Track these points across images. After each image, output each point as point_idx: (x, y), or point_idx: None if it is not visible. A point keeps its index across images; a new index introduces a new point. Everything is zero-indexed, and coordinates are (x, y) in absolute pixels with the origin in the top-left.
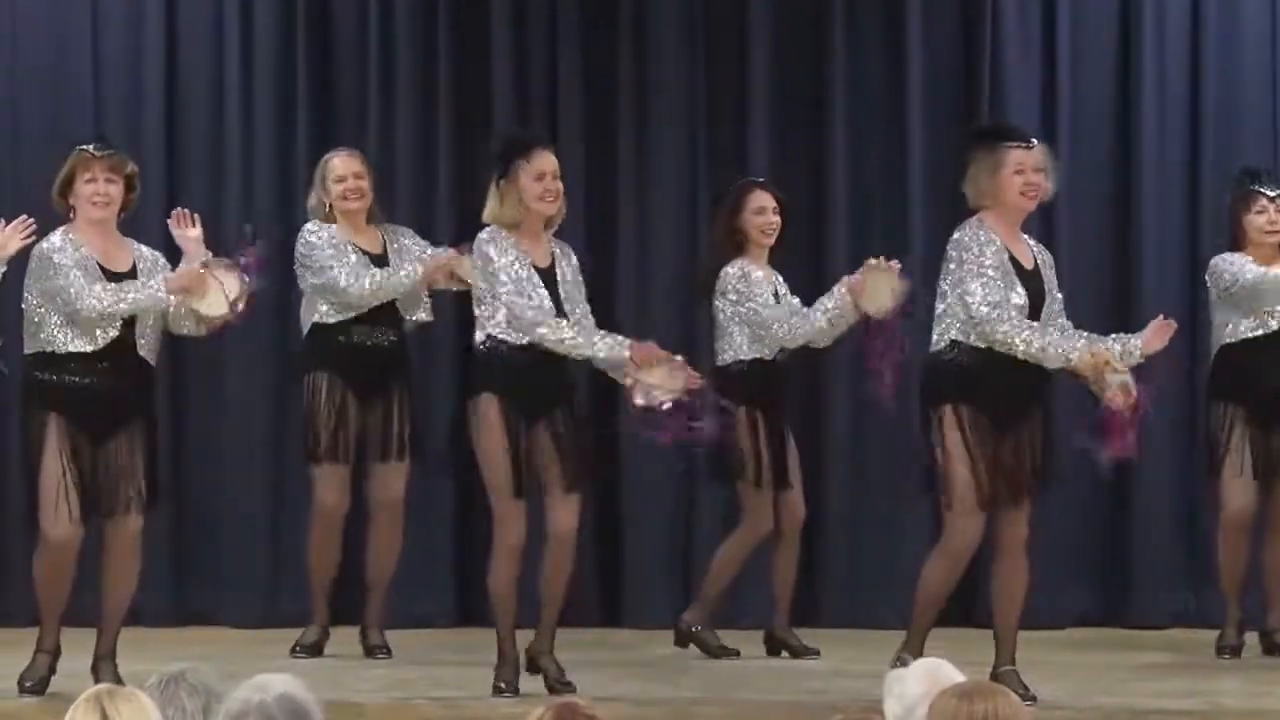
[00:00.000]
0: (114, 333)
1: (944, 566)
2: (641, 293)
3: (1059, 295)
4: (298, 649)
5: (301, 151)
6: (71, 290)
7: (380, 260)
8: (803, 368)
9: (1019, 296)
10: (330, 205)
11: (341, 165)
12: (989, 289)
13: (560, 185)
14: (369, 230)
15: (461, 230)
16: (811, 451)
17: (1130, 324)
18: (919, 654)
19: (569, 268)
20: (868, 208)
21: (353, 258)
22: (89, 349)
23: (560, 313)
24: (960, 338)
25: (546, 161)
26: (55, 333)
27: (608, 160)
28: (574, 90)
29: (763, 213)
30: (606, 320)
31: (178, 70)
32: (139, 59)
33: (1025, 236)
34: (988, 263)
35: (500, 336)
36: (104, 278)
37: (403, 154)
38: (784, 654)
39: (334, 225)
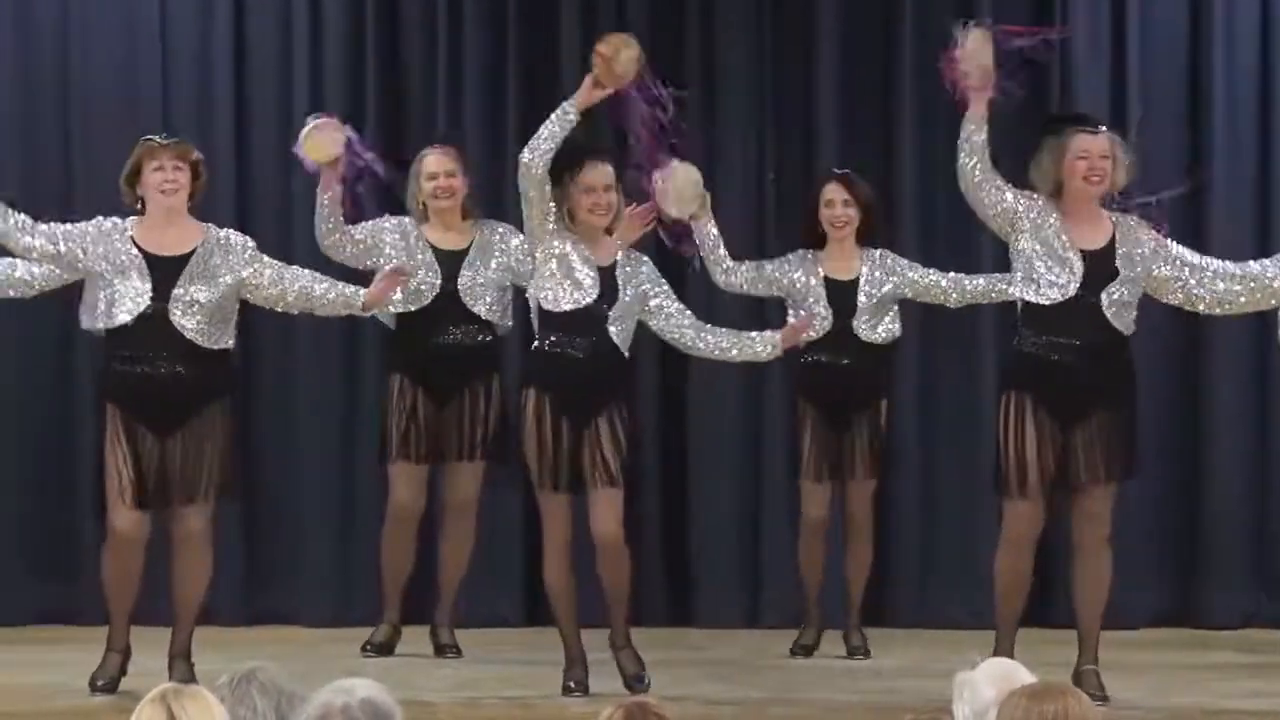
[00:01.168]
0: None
1: (1003, 556)
2: (710, 287)
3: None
4: (368, 648)
5: (370, 146)
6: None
7: (460, 257)
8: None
9: (1060, 272)
10: (423, 202)
11: (434, 162)
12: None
13: (612, 197)
14: (461, 227)
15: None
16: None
17: (1198, 323)
18: (1009, 653)
19: (638, 274)
20: (935, 201)
21: (418, 257)
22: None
23: (610, 302)
24: (1024, 326)
25: (596, 175)
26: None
27: (675, 152)
28: None
29: (831, 205)
30: None
31: (246, 65)
32: (208, 54)
33: (1112, 217)
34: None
35: (548, 334)
36: (145, 269)
37: (470, 152)
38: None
39: (406, 220)
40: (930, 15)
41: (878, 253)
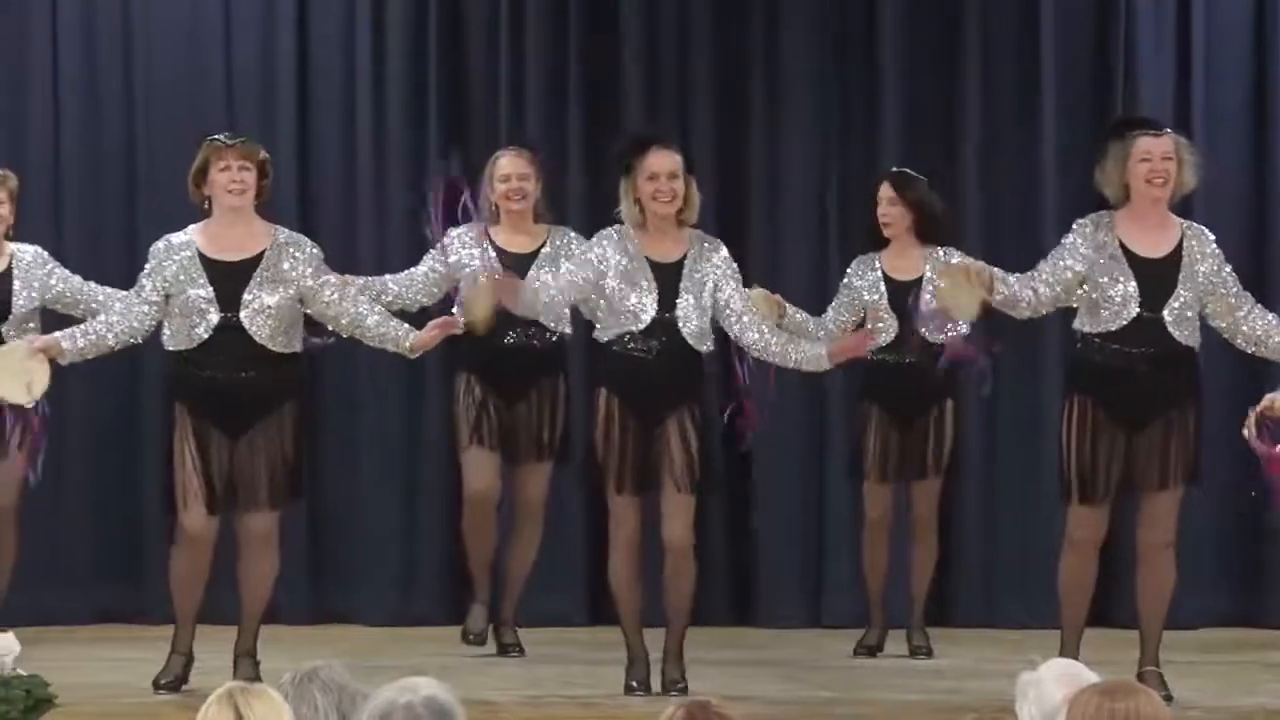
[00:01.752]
0: (204, 333)
1: (1067, 558)
2: (773, 284)
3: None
4: (470, 637)
5: (432, 148)
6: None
7: (528, 260)
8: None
9: (1120, 288)
10: (495, 203)
11: (508, 165)
12: (1045, 262)
13: (677, 185)
14: (532, 230)
15: (592, 227)
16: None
17: None
18: (1074, 654)
19: (707, 263)
20: (1000, 206)
21: (475, 262)
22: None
23: (670, 306)
24: (1084, 329)
25: (660, 161)
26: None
27: (739, 159)
28: (705, 89)
29: (879, 204)
30: None
31: (310, 68)
32: (272, 57)
33: (1184, 223)
34: (1071, 250)
35: (615, 333)
36: (205, 276)
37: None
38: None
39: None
40: (993, 18)
41: (941, 251)
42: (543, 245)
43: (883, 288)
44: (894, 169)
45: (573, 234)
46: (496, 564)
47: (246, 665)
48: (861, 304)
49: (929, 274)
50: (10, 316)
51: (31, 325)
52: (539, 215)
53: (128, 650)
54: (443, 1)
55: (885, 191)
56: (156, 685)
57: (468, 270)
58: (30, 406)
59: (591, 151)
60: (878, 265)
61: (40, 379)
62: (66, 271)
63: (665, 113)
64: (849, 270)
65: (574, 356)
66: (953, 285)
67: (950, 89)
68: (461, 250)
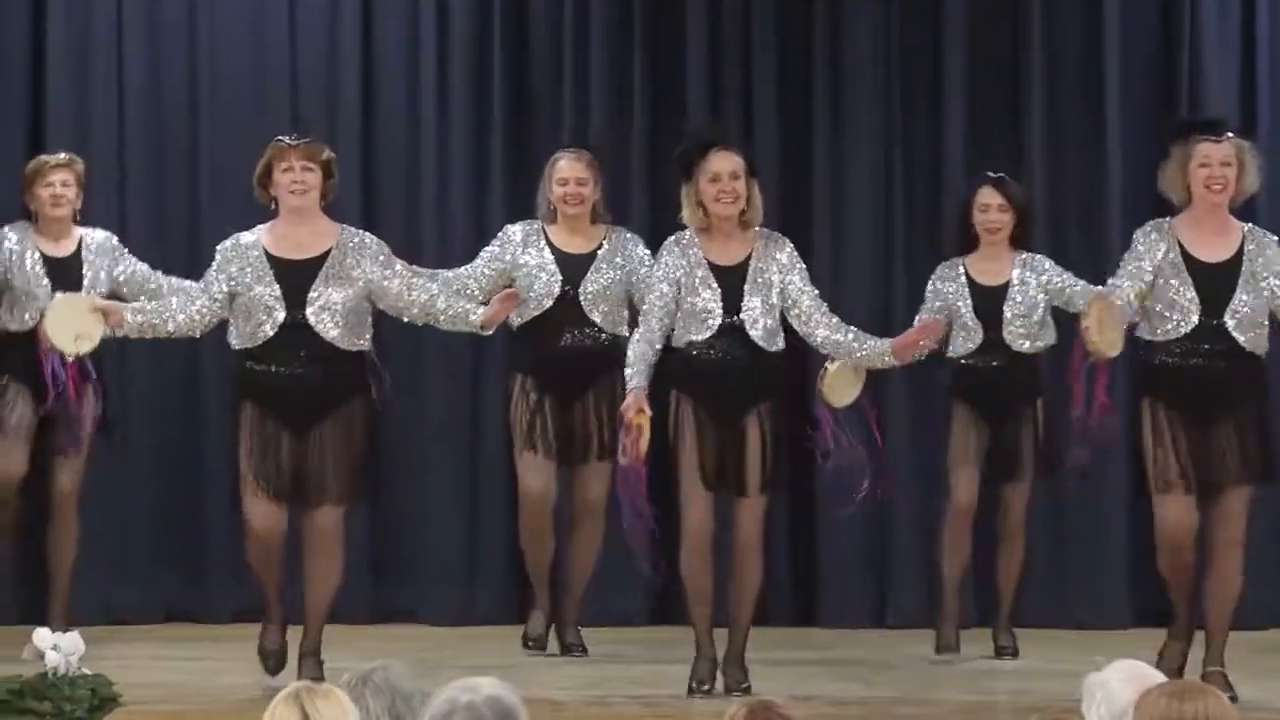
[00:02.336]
0: (270, 330)
1: (1161, 558)
2: (837, 286)
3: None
4: (529, 643)
5: (496, 147)
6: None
7: (585, 261)
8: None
9: (1181, 294)
10: (553, 204)
11: (566, 168)
12: (1121, 273)
13: (739, 185)
14: (589, 232)
15: (655, 226)
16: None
17: None
18: (1184, 652)
19: (773, 262)
20: (1065, 202)
21: (527, 258)
22: (264, 340)
23: (735, 309)
24: (1148, 337)
25: (722, 162)
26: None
27: (803, 154)
28: (768, 85)
29: (986, 210)
30: None
31: (373, 68)
32: (335, 57)
33: (1245, 227)
34: (1136, 255)
35: (685, 339)
36: (272, 275)
37: (597, 150)
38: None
39: (529, 226)
40: (1056, 19)
41: (1029, 256)
42: (600, 246)
43: (968, 293)
44: (991, 174)
45: (629, 235)
46: (556, 567)
47: (311, 665)
48: (948, 309)
49: (1018, 278)
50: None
51: None
52: (597, 216)
53: (192, 649)
54: (507, 2)
55: (992, 197)
56: (262, 653)
57: (524, 269)
58: (69, 358)
59: (654, 153)
60: (962, 270)
61: (90, 337)
62: (135, 259)
63: (728, 116)
64: (934, 277)
65: None
66: (1099, 323)
67: (1014, 90)
68: (519, 250)
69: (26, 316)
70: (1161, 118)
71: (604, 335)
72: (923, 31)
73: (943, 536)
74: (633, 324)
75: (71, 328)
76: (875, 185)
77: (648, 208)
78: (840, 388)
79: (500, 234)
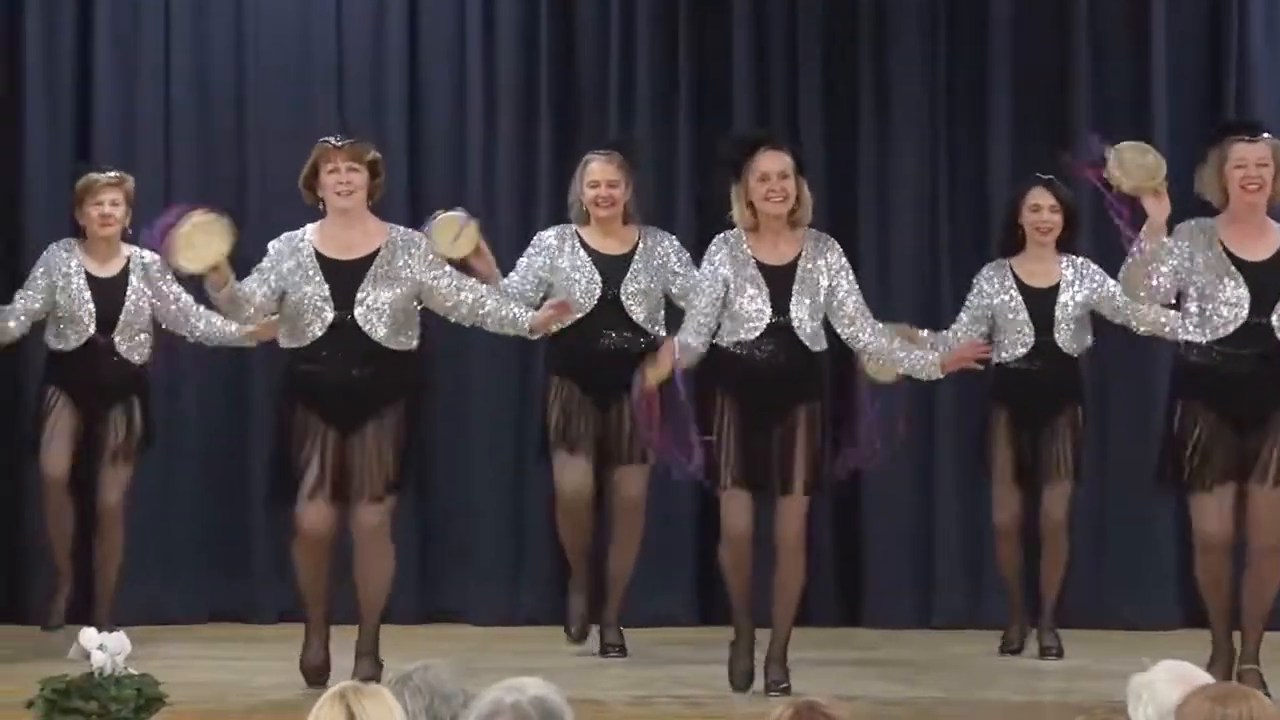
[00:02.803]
0: (319, 331)
1: (1199, 557)
2: (883, 290)
3: None
4: (572, 631)
5: (543, 151)
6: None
7: (620, 263)
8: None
9: (1229, 292)
10: (585, 207)
11: (598, 170)
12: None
13: (788, 185)
14: (622, 233)
15: (701, 229)
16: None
17: None
18: (1227, 653)
19: (822, 262)
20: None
21: (564, 262)
22: (312, 339)
23: (783, 309)
24: (1191, 339)
25: (770, 161)
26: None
27: (848, 158)
28: (814, 89)
29: (1037, 210)
30: None
31: (419, 68)
32: (382, 55)
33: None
34: (1170, 258)
35: (731, 339)
36: (321, 274)
37: (642, 154)
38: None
39: (564, 230)
40: (1103, 19)
41: (1079, 260)
42: (635, 248)
43: (1018, 295)
44: (1041, 175)
45: (662, 232)
46: (596, 561)
47: (366, 664)
48: (991, 312)
49: (1067, 281)
50: (121, 318)
51: (140, 330)
52: (628, 217)
53: (238, 649)
54: (553, 5)
55: (1043, 198)
56: (304, 668)
57: (562, 273)
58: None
59: (700, 158)
60: (1010, 272)
61: (197, 262)
62: (180, 288)
63: (775, 116)
64: (979, 278)
65: None
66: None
67: (1060, 91)
68: (555, 254)
69: (72, 336)
70: (1209, 124)
71: (643, 338)
72: (969, 36)
73: (997, 554)
74: (669, 323)
75: (202, 253)
76: (920, 191)
77: (695, 210)
78: (884, 367)
79: (534, 240)
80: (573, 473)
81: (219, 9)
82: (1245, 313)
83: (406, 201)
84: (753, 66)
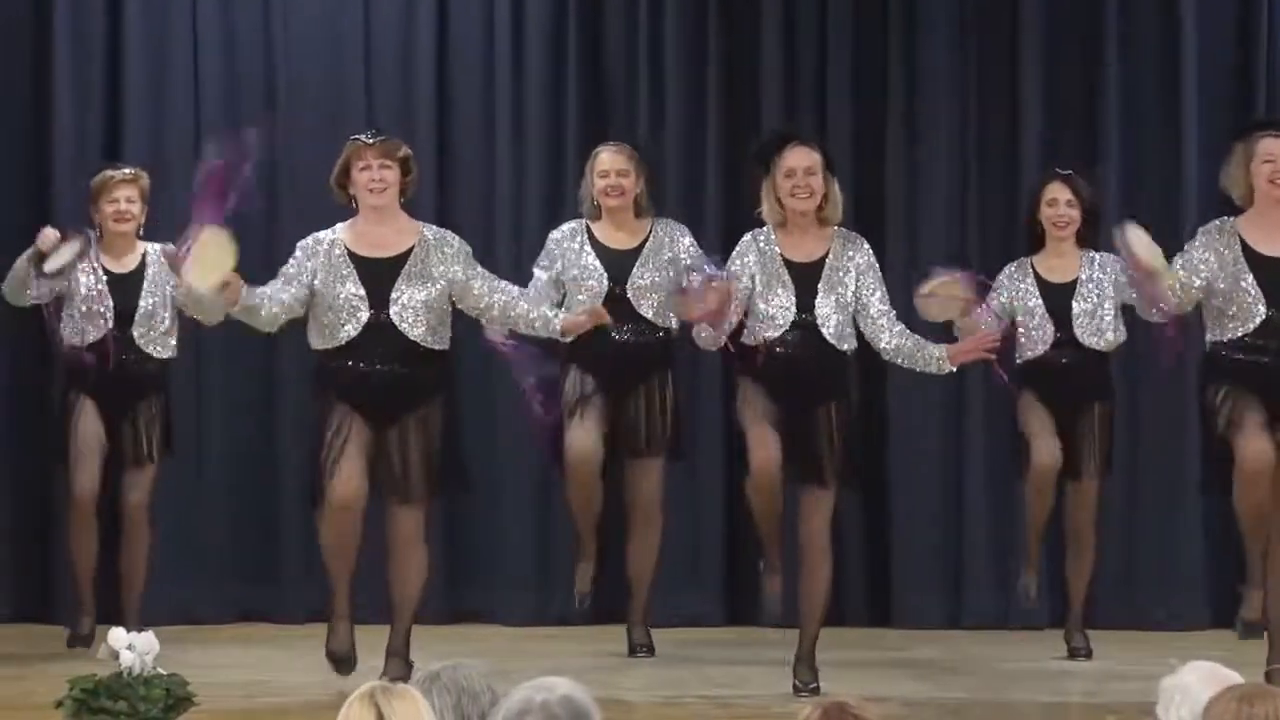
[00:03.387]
0: (354, 331)
1: (1238, 491)
2: (911, 291)
3: None
4: (579, 598)
5: (571, 148)
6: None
7: (630, 257)
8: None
9: (1245, 290)
10: (595, 199)
11: (607, 160)
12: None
13: (815, 181)
14: (633, 225)
15: (729, 227)
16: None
17: None
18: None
19: (849, 261)
20: (1140, 206)
21: (572, 259)
22: (347, 339)
23: (808, 306)
24: (1214, 338)
25: (797, 158)
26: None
27: (877, 158)
28: (843, 88)
29: (1054, 205)
30: None
31: (448, 68)
32: (411, 56)
33: None
34: (1193, 253)
35: (757, 334)
36: (355, 273)
37: (671, 152)
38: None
39: (575, 226)
40: (1134, 17)
41: (1098, 255)
42: (645, 240)
43: (1038, 291)
44: (1060, 170)
45: (677, 226)
46: (603, 539)
47: (396, 664)
48: (1011, 307)
49: (1086, 276)
50: (138, 314)
51: (159, 324)
52: (641, 210)
53: (267, 649)
54: (582, 3)
55: (1060, 192)
56: (331, 659)
57: (571, 272)
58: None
59: (729, 155)
60: (1030, 269)
61: (211, 281)
62: None
63: (803, 112)
64: (1001, 276)
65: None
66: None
67: (1091, 88)
68: (565, 254)
69: (89, 329)
70: (1239, 120)
71: (655, 331)
72: (998, 35)
73: (1029, 500)
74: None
75: (211, 271)
76: (950, 190)
77: (723, 206)
78: (937, 307)
79: (546, 243)
80: (582, 437)
81: (247, 11)
82: (1262, 310)
83: (435, 200)
84: (782, 63)
